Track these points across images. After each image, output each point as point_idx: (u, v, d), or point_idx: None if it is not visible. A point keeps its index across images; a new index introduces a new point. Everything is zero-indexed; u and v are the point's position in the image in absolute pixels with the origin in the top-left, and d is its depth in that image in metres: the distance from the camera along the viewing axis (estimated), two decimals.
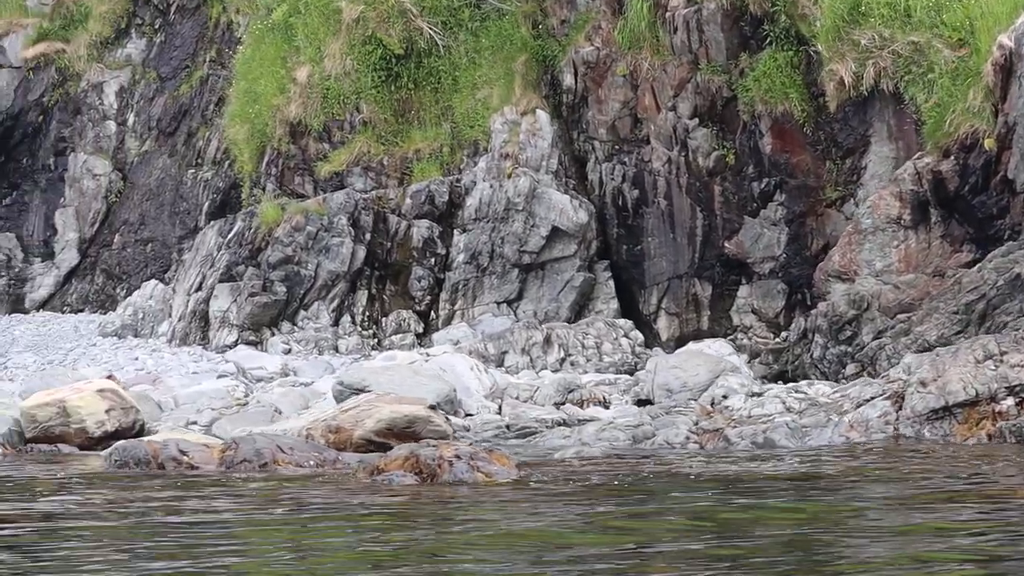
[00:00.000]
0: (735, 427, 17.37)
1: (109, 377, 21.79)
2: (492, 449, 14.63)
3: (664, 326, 23.98)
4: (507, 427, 19.07)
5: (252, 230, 24.91)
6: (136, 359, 24.35)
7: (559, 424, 19.38)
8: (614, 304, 24.05)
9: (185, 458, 15.87)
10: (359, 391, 20.18)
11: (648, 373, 21.06)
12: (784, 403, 18.36)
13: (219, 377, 22.45)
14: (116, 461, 15.87)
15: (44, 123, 29.07)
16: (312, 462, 15.81)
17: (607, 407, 20.52)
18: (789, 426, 16.91)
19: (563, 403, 20.67)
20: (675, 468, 13.92)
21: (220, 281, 24.80)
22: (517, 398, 21.01)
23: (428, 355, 23.38)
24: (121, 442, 16.51)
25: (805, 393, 18.73)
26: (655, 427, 18.47)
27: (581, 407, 20.60)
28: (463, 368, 21.83)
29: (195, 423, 19.53)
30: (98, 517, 11.08)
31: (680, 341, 23.57)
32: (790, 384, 20.06)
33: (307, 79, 25.16)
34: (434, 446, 14.45)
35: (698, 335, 23.55)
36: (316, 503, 11.59)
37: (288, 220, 24.46)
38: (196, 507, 11.43)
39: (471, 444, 15.41)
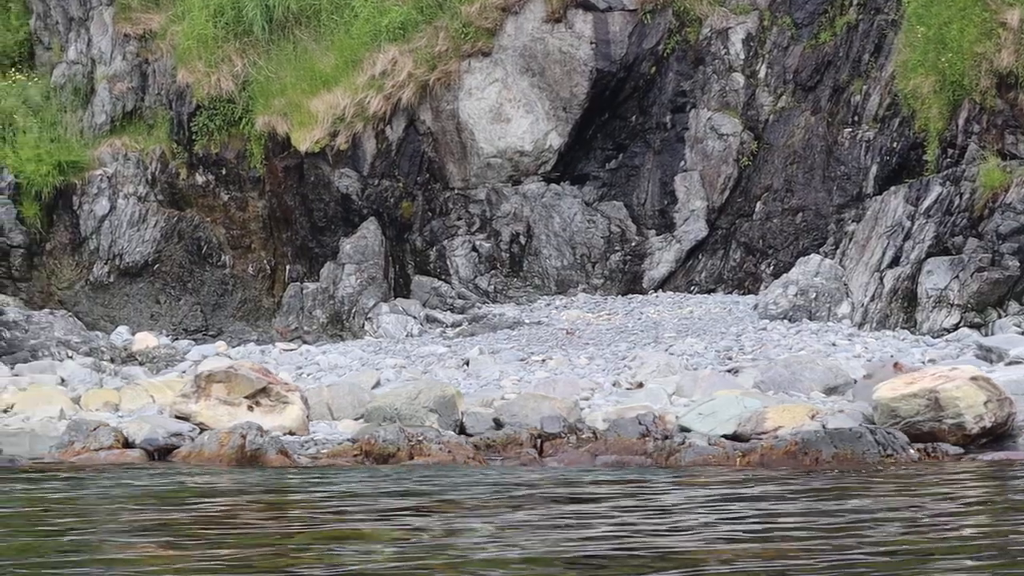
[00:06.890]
0: None
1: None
2: None
3: None
4: None
5: (964, 196, 21.65)
6: (833, 344, 21.25)
7: None
8: None
9: None
10: None
11: None
12: None
13: (1007, 364, 19.41)
14: None
15: (658, 75, 25.56)
16: None
17: None
18: None
19: None
20: None
21: (929, 255, 21.58)
22: None
23: None
24: None
25: None
26: None
27: None
28: None
29: None
30: None
31: None
32: None
33: (1019, 24, 21.82)
34: None
35: None
36: None
37: (1021, 184, 21.18)
38: None
39: None
